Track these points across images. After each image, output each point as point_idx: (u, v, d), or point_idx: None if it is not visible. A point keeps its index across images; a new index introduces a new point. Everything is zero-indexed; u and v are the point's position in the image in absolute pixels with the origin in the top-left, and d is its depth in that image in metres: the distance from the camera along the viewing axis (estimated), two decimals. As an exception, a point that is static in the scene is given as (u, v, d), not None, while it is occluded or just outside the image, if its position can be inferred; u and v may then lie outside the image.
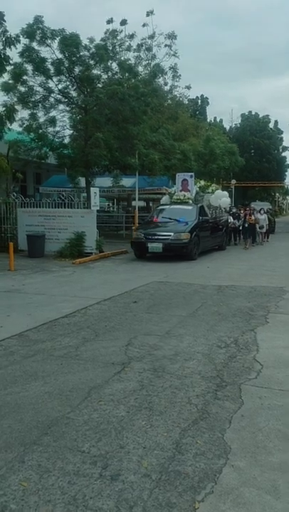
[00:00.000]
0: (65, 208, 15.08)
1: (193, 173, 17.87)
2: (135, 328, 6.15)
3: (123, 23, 21.53)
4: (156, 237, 13.91)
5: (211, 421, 3.51)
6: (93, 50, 17.66)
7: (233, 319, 6.67)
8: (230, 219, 19.44)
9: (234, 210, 21.89)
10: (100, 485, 2.70)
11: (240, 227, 19.73)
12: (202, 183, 18.20)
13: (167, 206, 16.38)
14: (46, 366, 4.68)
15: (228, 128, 50.35)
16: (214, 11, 76.90)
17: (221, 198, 18.11)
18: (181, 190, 16.77)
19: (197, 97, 49.43)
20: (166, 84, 24.53)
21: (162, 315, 6.93)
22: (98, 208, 15.48)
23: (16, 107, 15.10)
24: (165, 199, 17.48)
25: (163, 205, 17.03)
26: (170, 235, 13.75)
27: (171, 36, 22.37)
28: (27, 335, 5.87)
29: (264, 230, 20.29)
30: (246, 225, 18.97)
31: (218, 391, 4.05)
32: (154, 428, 3.38)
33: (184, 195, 16.31)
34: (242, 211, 21.48)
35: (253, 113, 52.11)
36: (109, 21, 21.37)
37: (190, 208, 15.44)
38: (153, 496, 2.60)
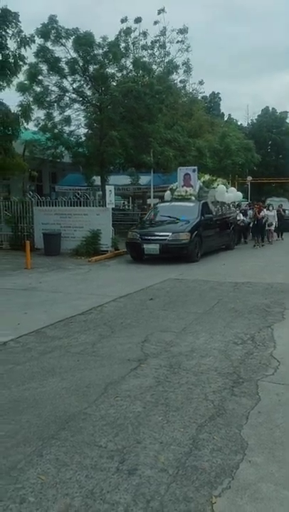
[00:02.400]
0: (80, 206, 15.14)
1: (196, 167, 16.53)
2: (151, 325, 6.16)
3: (137, 20, 21.51)
4: (152, 237, 12.87)
5: (227, 417, 3.50)
6: (106, 48, 17.69)
7: (249, 316, 6.63)
8: (240, 216, 18.40)
9: (243, 207, 20.93)
10: (117, 479, 2.72)
11: (250, 225, 18.90)
12: (206, 177, 17.03)
13: (167, 203, 15.35)
14: (63, 362, 4.72)
15: (245, 124, 49.91)
16: (224, 6, 75.99)
17: (223, 193, 16.98)
18: (183, 186, 15.59)
19: (211, 93, 49.20)
20: (182, 82, 24.45)
21: (178, 312, 6.93)
22: (113, 206, 15.47)
23: (31, 106, 15.20)
24: (167, 195, 16.42)
25: (163, 202, 16.10)
26: (168, 235, 12.67)
27: (183, 31, 22.30)
28: (44, 332, 5.93)
29: (273, 228, 19.24)
30: (256, 223, 18.19)
31: (235, 387, 4.04)
32: (170, 424, 3.39)
33: (186, 191, 15.20)
34: (255, 208, 20.74)
35: (270, 109, 51.52)
36: (124, 20, 21.38)
37: (192, 204, 14.32)
38: (170, 491, 2.61)
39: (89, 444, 3.11)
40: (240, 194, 20.63)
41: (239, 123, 48.92)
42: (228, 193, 17.43)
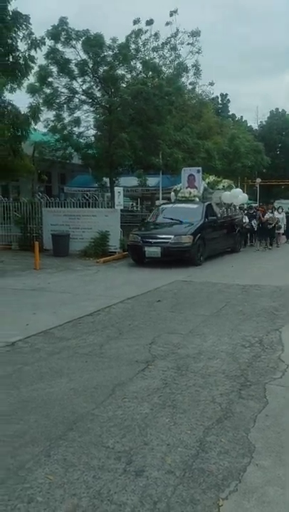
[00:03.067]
0: (89, 207, 15.20)
1: (200, 168, 16.28)
2: (159, 327, 6.17)
3: (149, 23, 21.52)
4: (154, 240, 12.53)
5: (235, 420, 3.50)
6: (116, 50, 17.73)
7: (257, 319, 6.62)
8: (246, 219, 18.10)
9: (252, 210, 20.69)
10: (124, 480, 2.73)
11: (256, 228, 18.62)
12: (211, 178, 16.78)
13: (170, 205, 15.18)
14: (71, 363, 4.75)
15: (255, 126, 49.76)
16: (226, 7, 75.63)
17: (237, 196, 16.94)
18: (187, 187, 15.34)
19: (220, 94, 49.12)
20: (191, 84, 24.41)
21: (186, 314, 6.93)
22: (122, 208, 15.50)
23: (41, 108, 15.28)
24: (172, 197, 16.23)
25: (165, 203, 15.94)
26: (170, 238, 12.31)
27: (195, 34, 22.28)
28: (52, 332, 5.96)
29: (282, 231, 18.85)
30: (260, 226, 17.94)
31: (243, 390, 4.04)
32: (177, 426, 3.40)
33: (190, 193, 14.96)
34: (259, 211, 20.24)
35: (280, 110, 51.30)
36: (136, 21, 21.40)
37: (195, 206, 13.96)
38: (177, 493, 2.62)
39: (96, 445, 3.12)
40: (245, 196, 20.40)
41: (249, 124, 48.79)
42: (239, 196, 17.30)
